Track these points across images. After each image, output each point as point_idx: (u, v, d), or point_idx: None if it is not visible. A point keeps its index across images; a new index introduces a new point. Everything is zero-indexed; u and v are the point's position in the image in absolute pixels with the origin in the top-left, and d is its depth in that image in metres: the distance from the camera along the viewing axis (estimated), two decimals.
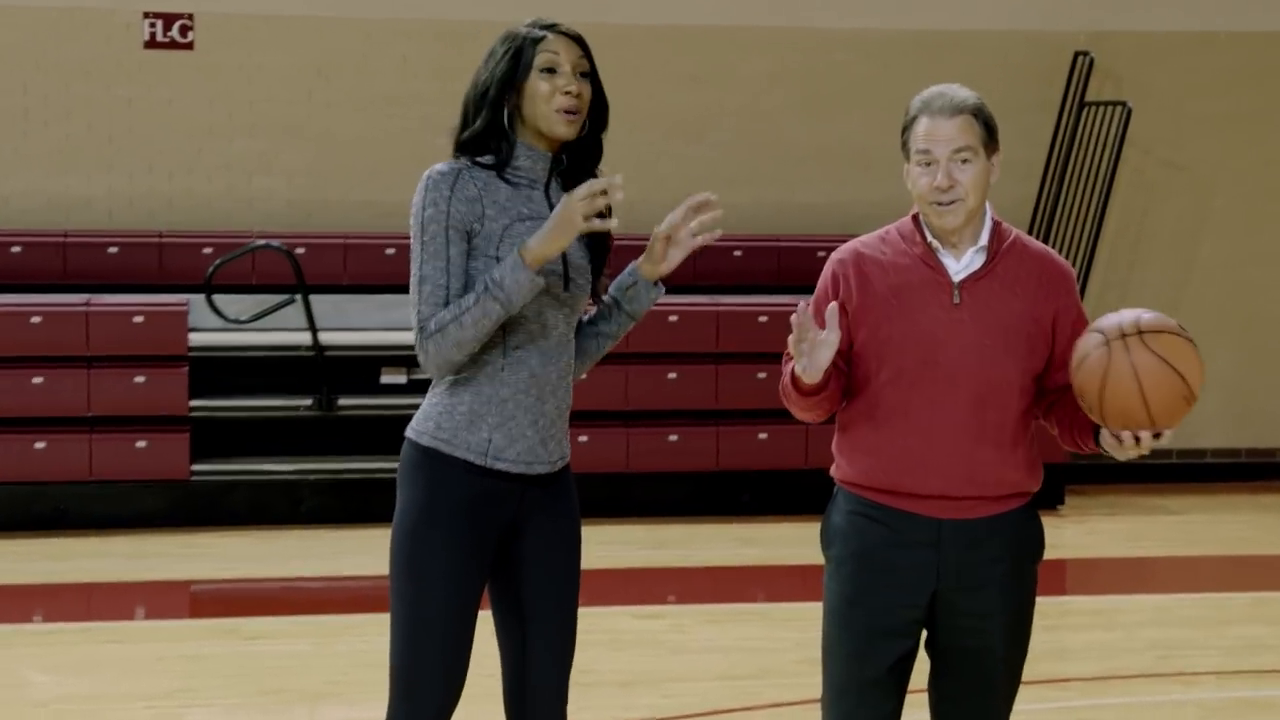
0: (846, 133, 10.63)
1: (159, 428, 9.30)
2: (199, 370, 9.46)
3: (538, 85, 3.50)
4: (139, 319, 9.34)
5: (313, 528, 9.31)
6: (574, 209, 3.39)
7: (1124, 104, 10.65)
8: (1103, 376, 3.31)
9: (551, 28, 3.54)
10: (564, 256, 3.52)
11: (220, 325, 9.50)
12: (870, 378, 3.56)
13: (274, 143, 10.32)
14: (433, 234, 3.43)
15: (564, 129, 3.48)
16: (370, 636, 6.97)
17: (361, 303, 9.87)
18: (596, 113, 3.57)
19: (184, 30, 10.29)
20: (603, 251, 3.65)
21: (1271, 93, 11.13)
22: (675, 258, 3.62)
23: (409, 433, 3.53)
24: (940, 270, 3.57)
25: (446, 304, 3.42)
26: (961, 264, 3.57)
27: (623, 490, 9.65)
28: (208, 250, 9.92)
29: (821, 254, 10.48)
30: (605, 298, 3.69)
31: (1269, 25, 11.14)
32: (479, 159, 3.53)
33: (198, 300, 9.46)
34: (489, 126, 3.51)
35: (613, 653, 6.78)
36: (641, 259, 3.64)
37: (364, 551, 8.76)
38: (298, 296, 9.46)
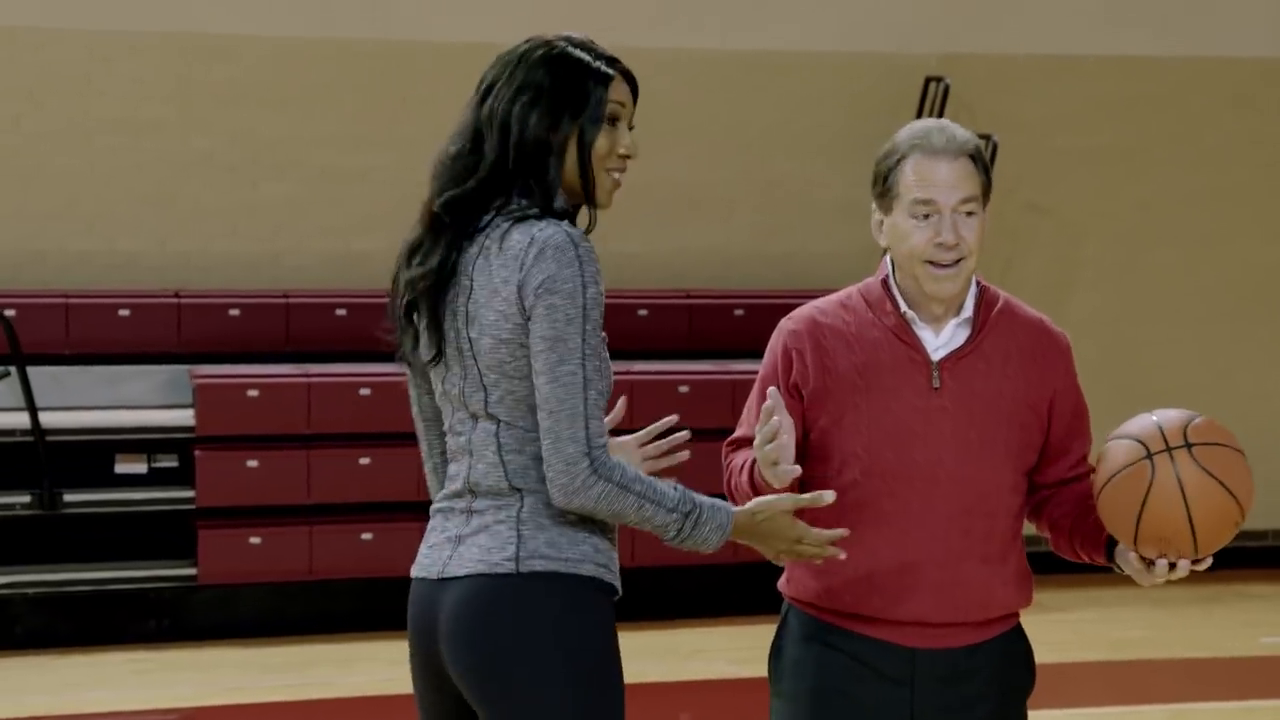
0: (668, 169, 10.49)
1: None
2: None
3: (598, 139, 3.23)
4: None
5: (33, 653, 8.90)
6: (788, 549, 3.24)
7: (988, 137, 10.47)
8: (1144, 496, 3.19)
9: (614, 63, 3.29)
10: None
11: None
12: (830, 478, 3.39)
13: None
14: (597, 321, 3.09)
15: (608, 201, 3.26)
16: None
17: (89, 375, 9.58)
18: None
19: None
20: None
21: (1145, 125, 11.20)
22: None
23: (551, 564, 3.13)
24: (916, 347, 3.41)
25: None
26: (941, 339, 3.42)
27: None
28: None
29: (644, 311, 10.16)
30: None
31: (1142, 49, 11.19)
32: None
33: None
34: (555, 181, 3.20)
35: None
36: None
37: (100, 682, 8.35)
38: (11, 368, 9.11)
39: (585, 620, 3.08)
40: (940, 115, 10.73)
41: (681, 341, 10.28)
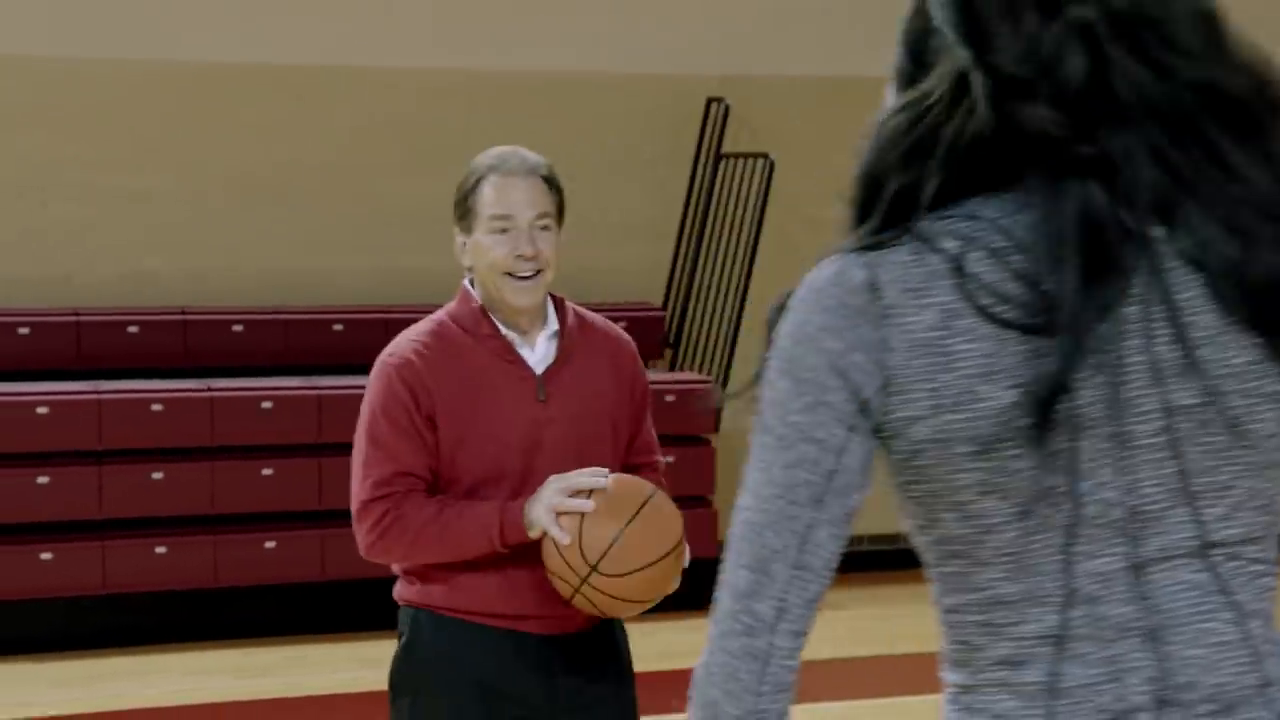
0: (448, 192, 10.33)
1: None
2: None
3: None
4: None
5: None
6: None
7: (765, 155, 10.59)
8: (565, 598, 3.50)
9: None
10: None
11: None
12: (464, 497, 3.57)
13: None
14: None
15: None
16: None
17: None
18: None
19: None
20: None
21: None
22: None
23: None
24: (521, 364, 3.59)
25: None
26: (539, 353, 3.61)
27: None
28: None
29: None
30: None
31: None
32: None
33: None
34: None
35: None
36: None
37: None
38: None
39: None
40: (721, 136, 10.87)
41: None
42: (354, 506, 3.61)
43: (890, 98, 1.83)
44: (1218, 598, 1.64)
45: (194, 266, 9.99)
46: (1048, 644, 1.64)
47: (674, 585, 3.54)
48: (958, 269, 1.67)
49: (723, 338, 10.52)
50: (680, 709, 6.93)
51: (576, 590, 3.44)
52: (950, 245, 1.68)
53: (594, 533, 3.42)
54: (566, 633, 3.61)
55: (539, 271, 3.59)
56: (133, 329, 9.65)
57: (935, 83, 1.74)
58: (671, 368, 10.70)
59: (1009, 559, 1.66)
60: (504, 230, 3.57)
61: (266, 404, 9.06)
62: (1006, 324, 1.62)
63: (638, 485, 3.52)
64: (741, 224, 10.69)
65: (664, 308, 10.75)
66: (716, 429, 10.11)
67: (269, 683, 8.33)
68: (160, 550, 8.94)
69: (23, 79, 9.76)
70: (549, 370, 3.61)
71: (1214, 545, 1.64)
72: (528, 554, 3.51)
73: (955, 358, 1.65)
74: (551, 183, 3.65)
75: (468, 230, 3.61)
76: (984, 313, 1.64)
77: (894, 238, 1.73)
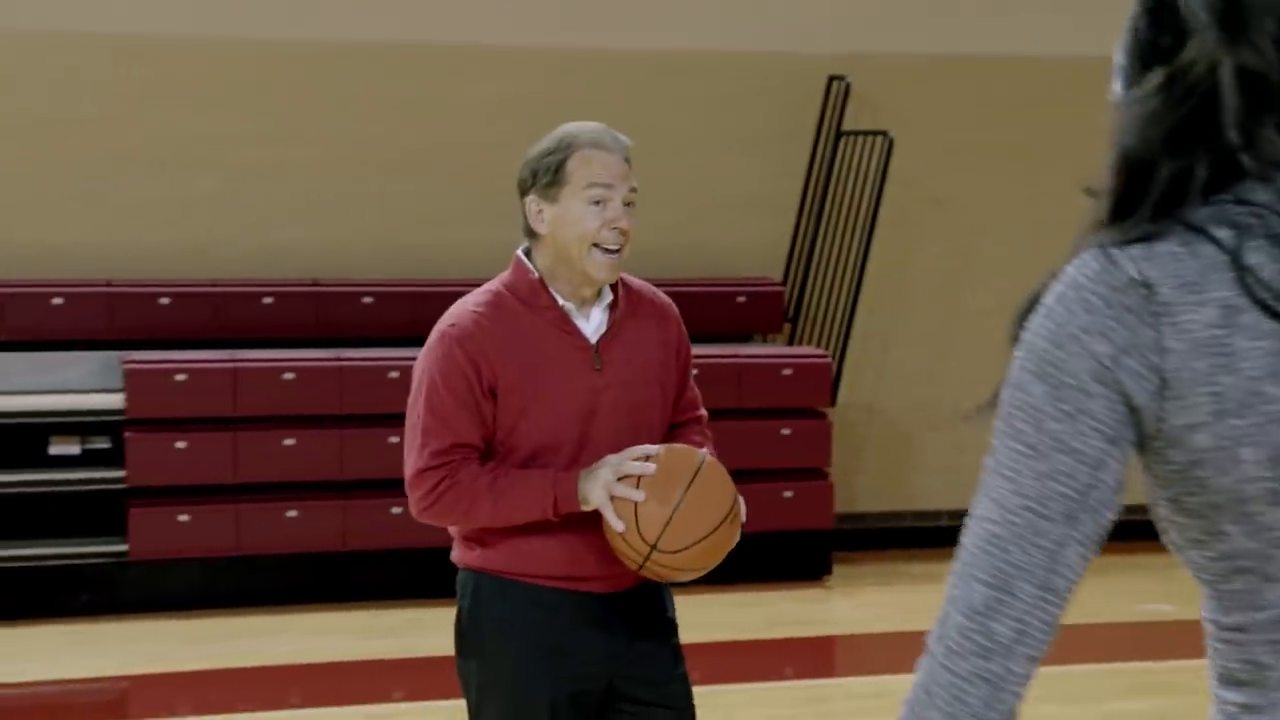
0: None
1: None
2: None
3: None
4: None
5: None
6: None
7: (884, 133, 10.65)
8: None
9: None
10: None
11: None
12: (522, 467, 3.62)
13: None
14: None
15: None
16: None
17: (25, 361, 9.46)
18: None
19: None
20: None
21: (1035, 124, 11.18)
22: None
23: None
24: (577, 334, 3.63)
25: None
26: (593, 324, 3.65)
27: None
28: None
29: None
30: None
31: (1032, 50, 11.22)
32: None
33: None
34: None
35: None
36: None
37: (34, 654, 8.36)
38: None
39: None
40: (842, 113, 10.93)
41: None
42: (408, 472, 3.65)
43: (1120, 60, 1.64)
44: None
45: (327, 239, 10.21)
46: None
47: (733, 544, 3.63)
48: (1235, 260, 1.51)
49: (840, 313, 10.61)
50: (786, 675, 7.09)
51: (641, 565, 3.54)
52: (1225, 234, 1.52)
53: (649, 514, 3.49)
54: (620, 590, 3.69)
55: (622, 247, 3.62)
56: (267, 300, 9.86)
57: (1194, 56, 1.55)
58: (790, 342, 10.80)
59: (1248, 571, 1.54)
60: (598, 202, 3.57)
61: (394, 374, 9.22)
62: None
63: (686, 457, 3.58)
64: (860, 200, 10.76)
65: (783, 282, 10.84)
66: (833, 403, 10.21)
67: (390, 644, 8.49)
68: (291, 514, 9.15)
69: (168, 58, 9.98)
70: (602, 339, 3.64)
71: None
72: (585, 519, 3.57)
73: (1238, 357, 1.49)
74: (629, 163, 3.67)
75: (552, 199, 3.58)
76: (1266, 307, 1.48)
77: (1160, 228, 1.56)
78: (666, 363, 3.72)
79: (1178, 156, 1.54)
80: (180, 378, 9.14)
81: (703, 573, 3.62)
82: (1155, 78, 1.56)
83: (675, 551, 3.49)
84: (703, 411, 3.91)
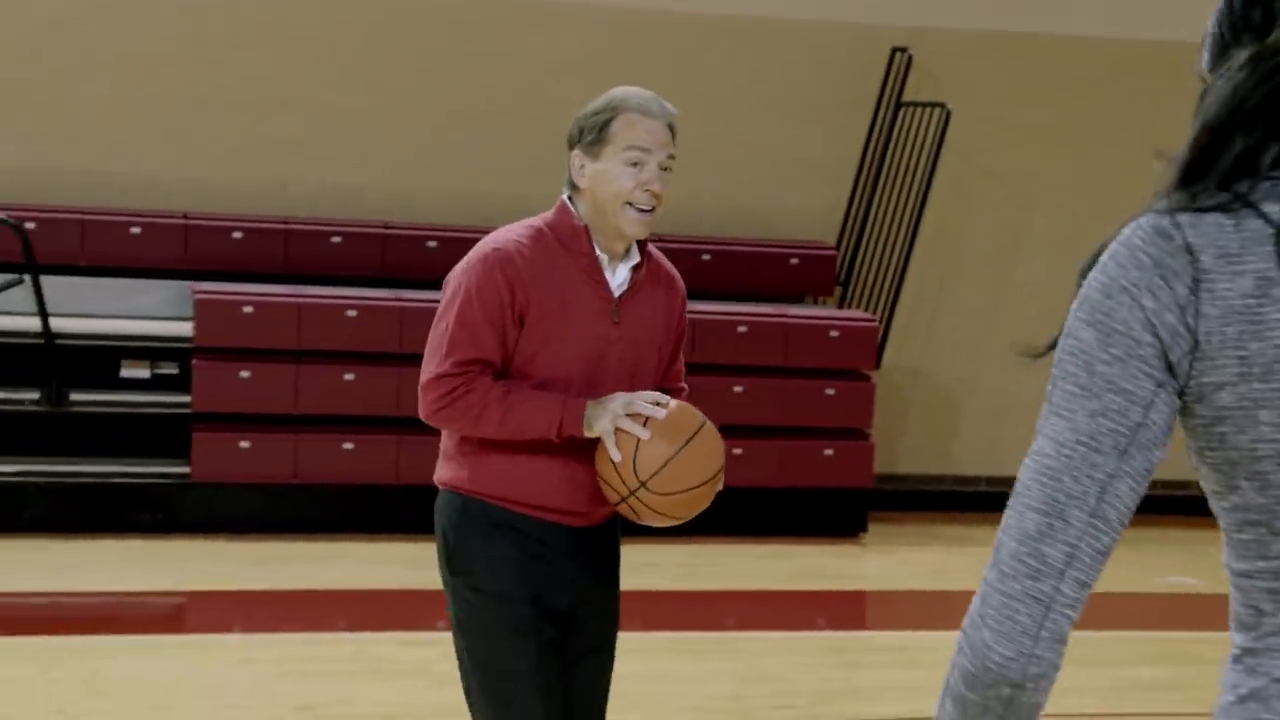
0: None
1: None
2: None
3: None
4: None
5: (38, 537, 9.06)
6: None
7: (943, 105, 10.78)
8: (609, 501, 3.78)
9: None
10: None
11: None
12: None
13: None
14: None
15: None
16: (98, 660, 6.89)
17: (100, 287, 9.69)
18: None
19: None
20: None
21: (1092, 103, 11.29)
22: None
23: None
24: (604, 285, 3.79)
25: None
26: (618, 279, 3.81)
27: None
28: None
29: None
30: None
31: (1092, 31, 11.30)
32: None
33: None
34: None
35: (379, 683, 6.72)
36: None
37: (93, 565, 8.59)
38: (26, 277, 9.21)
39: None
40: (903, 84, 11.06)
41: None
42: (425, 377, 3.78)
43: (1212, 29, 1.70)
44: None
45: (396, 184, 10.41)
46: None
47: (706, 507, 3.81)
48: (1277, 235, 1.57)
49: (890, 279, 10.77)
50: (816, 626, 7.28)
51: (623, 500, 3.69)
52: (1273, 210, 1.59)
53: (648, 453, 3.65)
54: (588, 526, 3.87)
55: (654, 208, 3.75)
56: (336, 239, 10.07)
57: None
58: (840, 305, 10.95)
59: (1258, 523, 1.61)
60: (635, 164, 3.71)
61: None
62: None
63: (692, 414, 3.76)
64: (916, 170, 10.90)
65: (837, 247, 11.01)
66: (878, 365, 10.38)
67: (437, 575, 8.70)
68: (348, 446, 9.36)
69: (253, 2, 10.14)
70: (623, 296, 3.80)
71: None
72: (577, 459, 3.76)
73: (1267, 326, 1.56)
74: (674, 130, 3.79)
75: (594, 156, 3.74)
76: None
77: (1217, 200, 1.62)
78: (668, 330, 3.88)
79: (1251, 132, 1.60)
80: (248, 310, 9.34)
81: (668, 524, 3.79)
82: (1243, 53, 1.61)
83: (662, 494, 3.67)
84: (685, 385, 4.09)
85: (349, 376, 9.35)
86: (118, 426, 9.34)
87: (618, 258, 3.81)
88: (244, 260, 9.91)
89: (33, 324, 9.29)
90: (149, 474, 9.26)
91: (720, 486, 3.83)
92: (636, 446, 3.66)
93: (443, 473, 3.92)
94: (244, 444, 9.26)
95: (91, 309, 9.57)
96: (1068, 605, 1.61)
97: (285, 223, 10.07)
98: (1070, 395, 1.62)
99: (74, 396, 9.34)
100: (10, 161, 9.98)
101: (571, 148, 3.82)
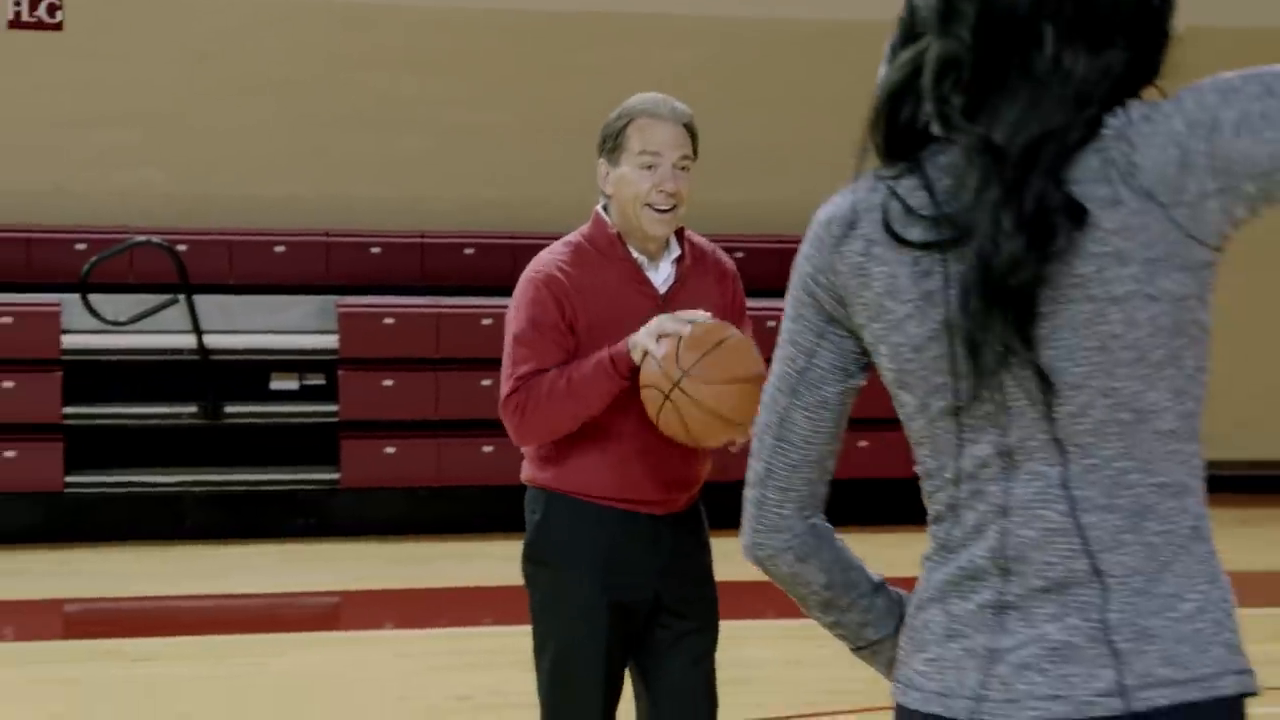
0: (762, 129, 10.73)
1: (30, 436, 9.33)
2: (73, 375, 9.49)
3: None
4: (7, 320, 9.39)
5: (197, 543, 9.33)
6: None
7: None
8: (654, 416, 3.73)
9: None
10: None
11: (97, 327, 9.53)
12: None
13: (151, 132, 10.26)
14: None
15: None
16: (260, 657, 7.12)
17: (249, 304, 9.94)
18: None
19: (51, 9, 10.20)
20: None
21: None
22: None
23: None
24: (648, 284, 3.88)
25: None
26: (661, 275, 3.89)
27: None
28: (80, 246, 9.91)
29: (740, 254, 10.65)
30: None
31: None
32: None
33: (71, 300, 9.47)
34: None
35: (528, 674, 6.91)
36: None
37: (252, 569, 8.83)
38: (180, 297, 9.49)
39: None
40: None
41: (772, 281, 10.61)
42: (501, 400, 3.84)
43: (891, 42, 1.92)
44: (1057, 490, 1.80)
45: (526, 196, 10.60)
46: (949, 511, 1.86)
47: (751, 412, 3.58)
48: (883, 204, 1.84)
49: None
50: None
51: (666, 396, 3.68)
52: (891, 183, 1.85)
53: (690, 344, 3.69)
54: (670, 513, 3.93)
55: (674, 206, 3.82)
56: (468, 250, 10.28)
57: (925, 43, 1.85)
58: None
59: (926, 441, 1.87)
60: (649, 167, 3.79)
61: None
62: (908, 245, 1.82)
63: (721, 325, 3.77)
64: None
65: None
66: None
67: None
68: (487, 449, 9.48)
69: (386, 24, 10.41)
70: (670, 290, 3.87)
71: (1062, 441, 1.79)
72: (651, 450, 3.83)
73: (871, 278, 1.85)
74: (691, 130, 3.85)
75: (614, 163, 3.84)
76: (893, 234, 1.83)
77: (871, 176, 1.87)
78: (724, 311, 3.90)
79: (894, 121, 1.85)
80: (389, 321, 9.57)
81: (720, 430, 3.73)
82: (904, 55, 1.86)
83: (705, 383, 3.69)
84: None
85: (485, 382, 9.45)
86: (269, 436, 9.58)
87: (657, 255, 3.90)
88: (383, 273, 10.12)
89: (188, 341, 9.55)
90: (301, 481, 9.48)
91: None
92: (678, 342, 3.72)
93: (527, 471, 4.06)
94: (389, 449, 9.44)
95: (241, 325, 9.83)
96: (775, 505, 1.96)
97: (420, 236, 10.27)
98: (777, 346, 1.97)
99: (228, 409, 9.57)
100: (162, 188, 10.26)
101: (598, 158, 3.95)
